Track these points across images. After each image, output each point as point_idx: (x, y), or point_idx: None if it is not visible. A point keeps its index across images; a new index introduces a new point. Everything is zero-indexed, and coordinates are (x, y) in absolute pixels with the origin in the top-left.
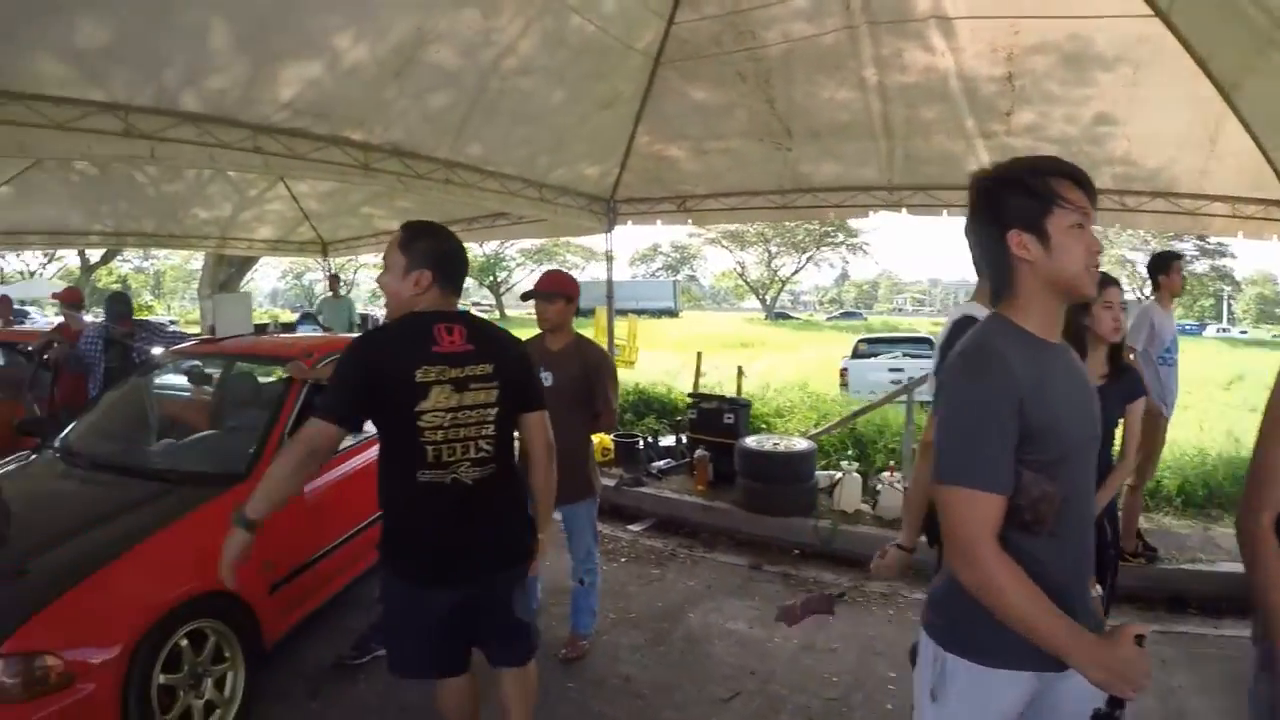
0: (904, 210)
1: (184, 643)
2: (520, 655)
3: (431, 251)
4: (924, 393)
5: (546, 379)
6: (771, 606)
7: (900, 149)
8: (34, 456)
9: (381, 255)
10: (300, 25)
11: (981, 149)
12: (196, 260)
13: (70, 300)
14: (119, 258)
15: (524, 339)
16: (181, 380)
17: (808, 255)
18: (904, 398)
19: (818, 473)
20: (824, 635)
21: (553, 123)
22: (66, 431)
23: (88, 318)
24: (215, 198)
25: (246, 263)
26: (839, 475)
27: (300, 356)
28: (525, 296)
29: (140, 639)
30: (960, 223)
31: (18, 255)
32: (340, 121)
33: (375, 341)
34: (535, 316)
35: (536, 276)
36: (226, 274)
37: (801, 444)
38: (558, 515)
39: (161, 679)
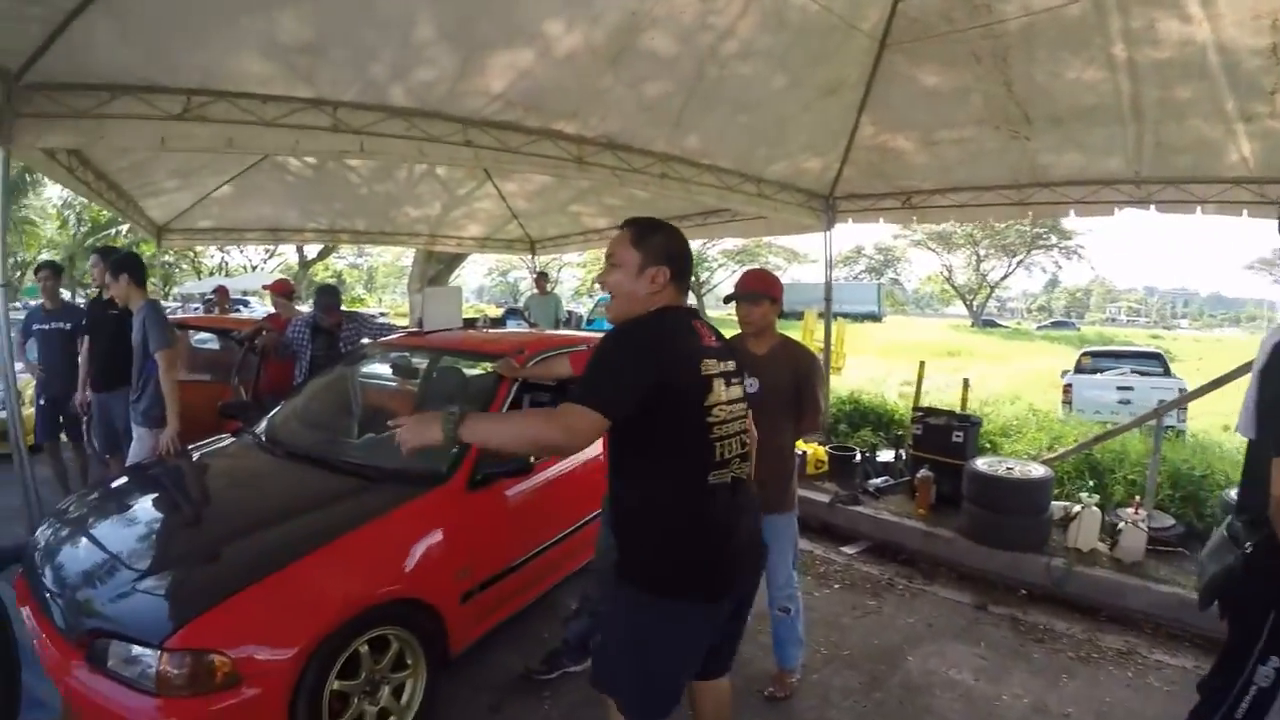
0: (1152, 207)
1: (364, 649)
2: (730, 662)
3: (666, 247)
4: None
5: (751, 385)
6: (999, 655)
7: (1150, 135)
8: (234, 440)
9: (587, 252)
10: (509, 13)
11: (1242, 135)
12: (407, 257)
13: (281, 291)
14: (334, 254)
15: None
16: (387, 371)
17: (1018, 259)
18: (1152, 423)
19: (1052, 503)
20: (1056, 697)
21: (773, 111)
22: (269, 417)
23: (303, 309)
24: (425, 196)
25: (455, 259)
26: (1076, 508)
27: (511, 353)
28: (728, 299)
29: (319, 643)
30: (1216, 221)
31: (240, 250)
32: (553, 113)
33: (658, 328)
34: (736, 319)
35: (738, 278)
36: (435, 270)
37: (1038, 470)
38: None
39: (336, 685)
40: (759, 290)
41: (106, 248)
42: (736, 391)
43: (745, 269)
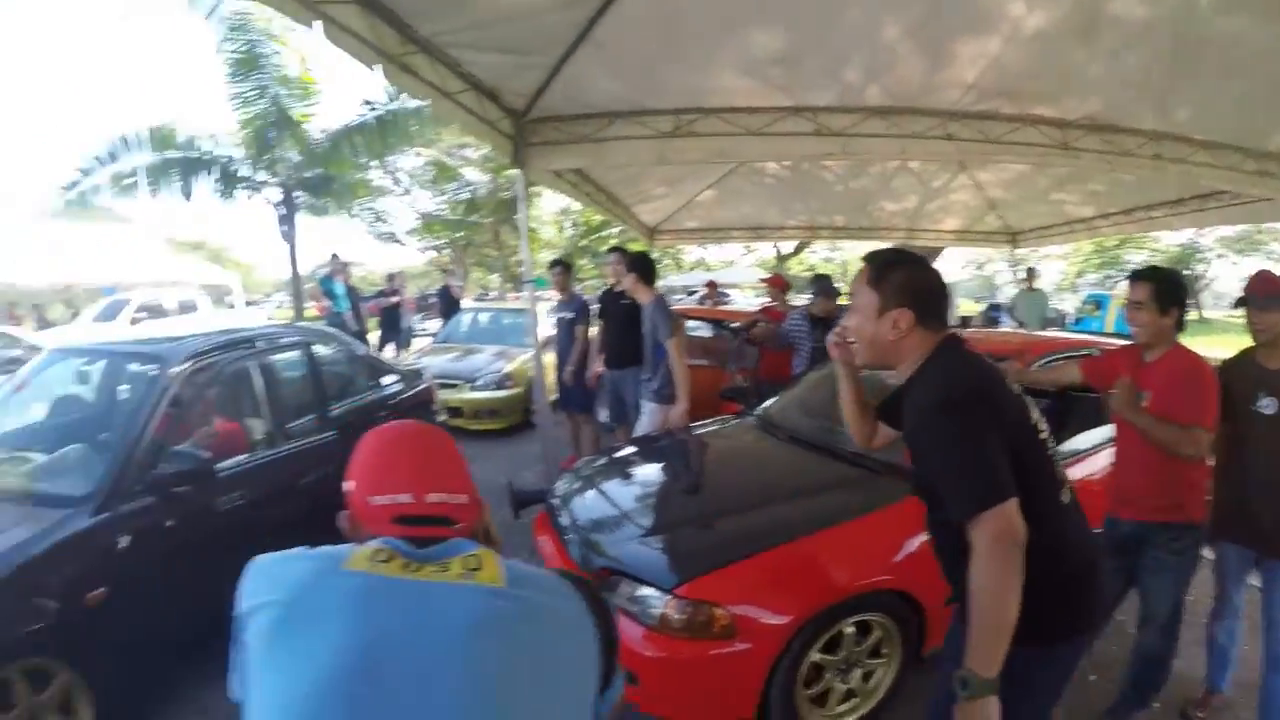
0: None
1: (850, 630)
2: None
3: (908, 286)
4: None
5: (1268, 406)
6: None
7: None
8: (734, 422)
9: (1070, 244)
10: (969, 1)
11: None
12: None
13: (776, 285)
14: (808, 249)
15: (1228, 358)
16: None
17: None
18: None
19: None
20: None
21: (1267, 71)
22: (768, 403)
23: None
24: (900, 190)
25: (931, 253)
26: None
27: (1012, 356)
28: (1238, 304)
29: (810, 617)
30: None
31: (720, 246)
32: (1030, 98)
33: (973, 379)
34: (1247, 325)
35: (1238, 271)
36: None
37: None
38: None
39: (815, 656)
40: (1272, 293)
41: (622, 248)
42: None
43: (1257, 271)
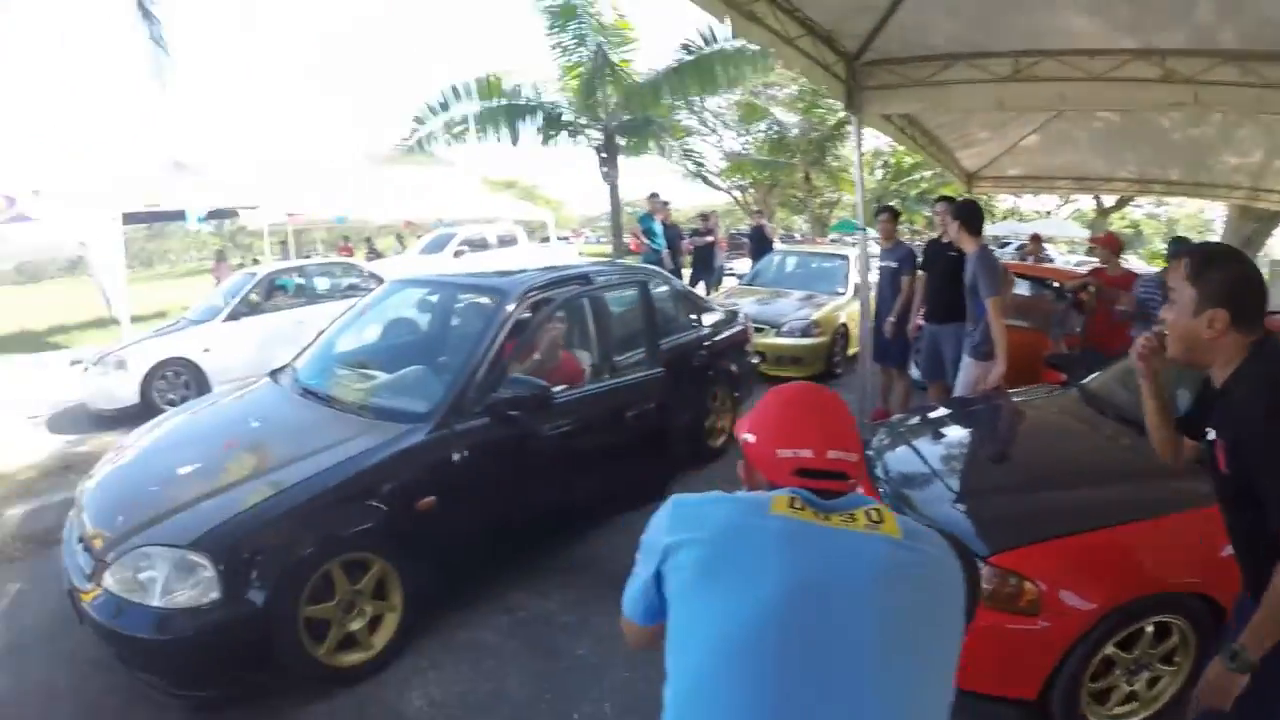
0: None
1: (1149, 629)
2: None
3: (1226, 285)
4: None
5: None
6: None
7: None
8: (1057, 392)
9: None
10: None
11: None
12: (1212, 209)
13: (1109, 245)
14: (1132, 203)
15: None
16: None
17: None
18: None
19: None
20: None
21: None
22: (1095, 375)
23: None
24: (1245, 142)
25: (1273, 218)
26: None
27: None
28: None
29: (1114, 607)
30: None
31: (1035, 195)
32: None
33: None
34: None
35: None
36: (1250, 229)
37: None
38: None
39: (1109, 650)
40: None
41: (950, 197)
42: None
43: None
